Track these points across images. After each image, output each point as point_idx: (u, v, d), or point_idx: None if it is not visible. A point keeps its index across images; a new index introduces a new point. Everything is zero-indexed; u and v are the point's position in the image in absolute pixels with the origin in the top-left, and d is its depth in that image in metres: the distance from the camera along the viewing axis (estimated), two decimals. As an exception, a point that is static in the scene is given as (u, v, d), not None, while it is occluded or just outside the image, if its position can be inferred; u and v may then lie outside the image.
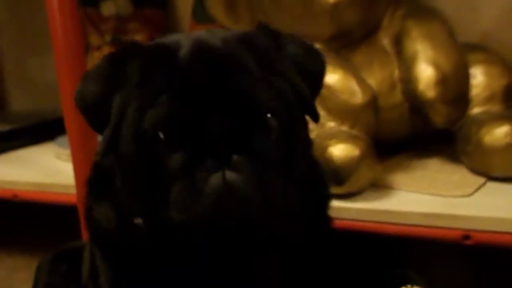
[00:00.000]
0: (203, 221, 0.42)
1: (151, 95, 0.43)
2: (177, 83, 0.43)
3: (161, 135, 0.42)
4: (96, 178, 0.52)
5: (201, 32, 0.49)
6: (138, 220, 0.48)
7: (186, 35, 0.48)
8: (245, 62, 0.45)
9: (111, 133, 0.45)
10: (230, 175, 0.41)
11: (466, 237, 0.61)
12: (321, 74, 0.51)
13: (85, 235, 0.76)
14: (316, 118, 0.49)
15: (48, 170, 0.92)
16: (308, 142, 0.50)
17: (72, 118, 0.75)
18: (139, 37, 1.11)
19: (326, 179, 0.56)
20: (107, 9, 1.09)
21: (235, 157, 0.41)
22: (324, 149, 0.67)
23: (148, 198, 0.44)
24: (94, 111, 0.46)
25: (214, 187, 0.41)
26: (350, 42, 0.77)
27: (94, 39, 1.09)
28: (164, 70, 0.44)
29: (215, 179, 0.41)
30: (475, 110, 0.74)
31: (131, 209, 0.48)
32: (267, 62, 0.46)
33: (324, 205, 0.54)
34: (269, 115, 0.43)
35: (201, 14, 0.91)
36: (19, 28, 1.36)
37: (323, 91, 0.72)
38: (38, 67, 1.36)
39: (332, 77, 0.72)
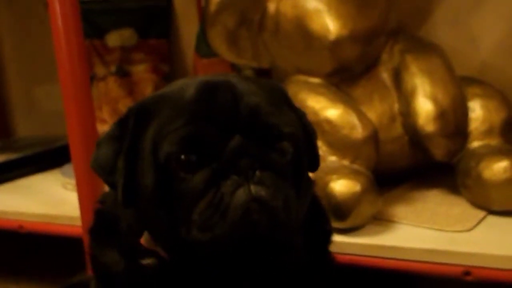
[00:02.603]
0: (229, 235, 0.42)
1: (163, 125, 0.45)
2: (189, 109, 0.44)
3: (182, 157, 0.43)
4: (99, 226, 0.53)
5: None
6: (146, 261, 0.50)
7: (191, 79, 0.50)
8: (255, 90, 0.46)
9: (124, 175, 0.46)
10: (255, 188, 0.42)
11: (467, 273, 0.61)
12: (315, 135, 0.53)
13: (90, 268, 0.77)
14: (316, 164, 0.51)
15: (54, 200, 0.92)
16: (310, 181, 0.52)
17: (77, 148, 0.76)
18: (143, 67, 1.13)
19: (327, 214, 0.57)
20: (113, 40, 1.12)
21: (257, 172, 0.42)
22: (326, 184, 0.68)
23: (168, 224, 0.45)
24: (109, 171, 0.48)
25: (241, 201, 0.42)
26: (350, 76, 0.79)
27: (100, 70, 1.11)
28: (171, 103, 0.46)
29: (241, 193, 0.42)
30: (474, 143, 0.75)
31: (138, 250, 0.49)
32: (277, 96, 0.48)
33: (326, 240, 0.56)
34: (283, 139, 0.45)
35: (204, 48, 0.93)
36: (25, 57, 1.39)
37: (325, 126, 0.74)
38: (43, 95, 1.39)
39: (333, 112, 0.74)
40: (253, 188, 0.42)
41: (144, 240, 0.50)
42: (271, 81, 0.52)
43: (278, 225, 0.43)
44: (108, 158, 0.48)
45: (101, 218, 0.54)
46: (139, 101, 0.49)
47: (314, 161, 0.51)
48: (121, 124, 0.48)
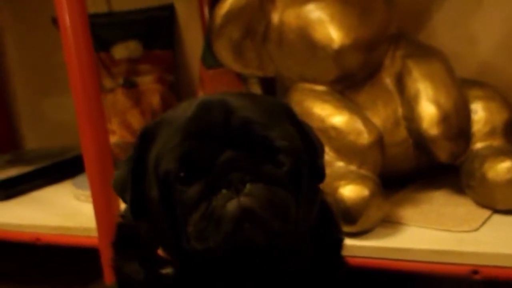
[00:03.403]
0: (223, 246, 0.44)
1: (163, 144, 0.48)
2: (184, 128, 0.47)
3: (181, 174, 0.46)
4: (121, 239, 0.56)
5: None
6: (164, 270, 0.52)
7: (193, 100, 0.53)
8: (249, 105, 0.49)
9: (134, 190, 0.50)
10: (245, 200, 0.44)
11: (475, 272, 0.63)
12: (322, 148, 0.54)
13: (107, 278, 0.80)
14: (321, 177, 0.52)
15: (68, 212, 0.95)
16: (314, 191, 0.54)
17: (91, 159, 0.78)
18: (149, 78, 1.15)
19: (338, 222, 0.59)
20: (119, 53, 1.14)
21: (248, 185, 0.44)
22: (335, 190, 0.70)
23: (171, 234, 0.48)
24: (123, 189, 0.51)
25: (231, 213, 0.44)
26: (354, 83, 0.81)
27: (107, 82, 1.13)
28: (171, 123, 0.49)
29: (231, 205, 0.44)
30: (478, 145, 0.77)
31: (156, 260, 0.52)
32: (275, 111, 0.50)
33: (337, 247, 0.57)
34: (277, 152, 0.47)
35: (210, 59, 0.95)
36: (31, 69, 1.41)
37: (331, 132, 0.76)
38: (50, 107, 1.41)
39: (339, 119, 0.76)
40: (243, 200, 0.44)
41: (161, 250, 0.52)
42: (272, 98, 0.54)
43: (272, 235, 0.45)
44: (123, 177, 0.51)
45: (122, 231, 0.57)
46: (146, 124, 0.53)
47: (318, 174, 0.52)
48: (134, 145, 0.52)
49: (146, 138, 0.50)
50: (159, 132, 0.50)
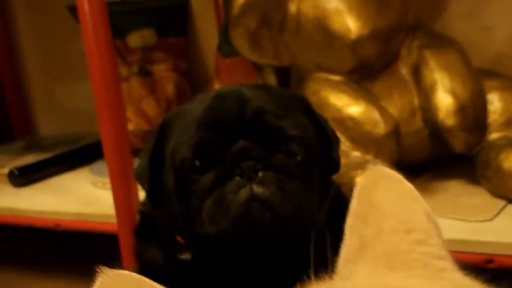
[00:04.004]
0: (233, 230, 0.46)
1: (179, 135, 0.50)
2: (199, 119, 0.49)
3: (196, 162, 0.48)
4: (142, 226, 0.58)
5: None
6: (184, 256, 0.54)
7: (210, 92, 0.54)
8: (262, 95, 0.50)
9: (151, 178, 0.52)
10: (257, 188, 0.46)
11: (490, 261, 0.65)
12: (337, 141, 0.55)
13: (126, 264, 0.82)
14: (335, 168, 0.54)
15: (87, 199, 0.96)
16: (328, 182, 0.55)
17: (110, 147, 0.79)
18: (164, 66, 1.16)
19: None
20: (134, 41, 1.14)
21: (260, 173, 0.46)
22: (351, 179, 0.71)
23: (187, 221, 0.50)
24: (144, 178, 0.53)
25: (242, 199, 0.45)
26: (370, 73, 0.81)
27: (122, 70, 1.14)
28: (188, 115, 0.51)
29: (243, 192, 0.46)
30: (493, 135, 0.78)
31: (175, 246, 0.54)
32: (289, 102, 0.52)
33: None
34: (289, 141, 0.48)
35: (226, 48, 0.96)
36: (46, 57, 1.42)
37: (348, 122, 0.77)
38: (64, 93, 1.42)
39: (356, 109, 0.77)
40: (254, 187, 0.46)
41: (179, 236, 0.54)
42: (288, 89, 0.56)
43: (282, 222, 0.46)
44: (143, 167, 0.53)
45: (143, 218, 0.59)
46: (165, 115, 0.55)
47: (333, 166, 0.54)
48: (152, 135, 0.54)
49: (164, 128, 0.52)
50: (176, 123, 0.51)
